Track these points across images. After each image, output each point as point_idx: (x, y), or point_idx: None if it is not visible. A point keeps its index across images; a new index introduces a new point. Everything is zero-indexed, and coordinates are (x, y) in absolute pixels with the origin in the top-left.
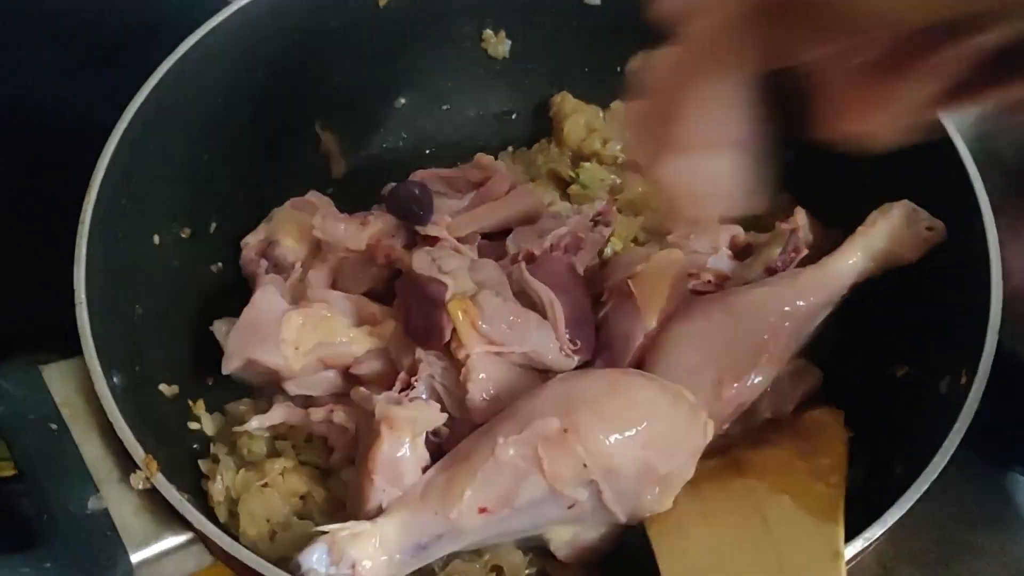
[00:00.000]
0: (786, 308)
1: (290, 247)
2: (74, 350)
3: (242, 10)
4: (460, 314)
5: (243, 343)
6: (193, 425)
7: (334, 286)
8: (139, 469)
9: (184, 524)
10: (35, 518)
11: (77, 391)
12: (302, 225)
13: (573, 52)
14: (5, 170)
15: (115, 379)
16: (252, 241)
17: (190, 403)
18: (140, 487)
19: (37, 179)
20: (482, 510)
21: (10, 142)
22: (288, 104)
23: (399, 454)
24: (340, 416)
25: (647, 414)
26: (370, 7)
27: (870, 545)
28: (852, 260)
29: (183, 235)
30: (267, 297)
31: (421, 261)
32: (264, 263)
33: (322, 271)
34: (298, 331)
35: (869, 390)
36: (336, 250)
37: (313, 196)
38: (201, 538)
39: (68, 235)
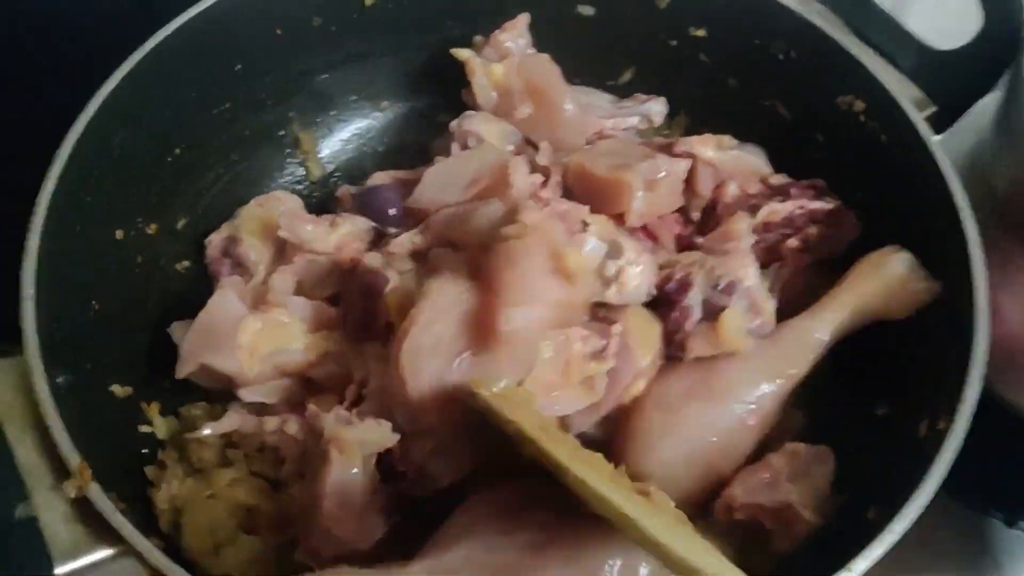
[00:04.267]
0: (766, 386)
1: (253, 245)
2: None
3: (221, 2)
4: (398, 306)
5: (197, 347)
6: (144, 428)
7: (298, 289)
8: (72, 476)
9: (118, 537)
10: None
11: (17, 389)
12: (266, 223)
13: (567, 62)
14: None
15: (59, 379)
16: (216, 239)
17: (143, 405)
18: (72, 496)
19: None
20: None
21: None
22: (266, 101)
23: (349, 477)
24: (293, 427)
25: None
26: (356, 5)
27: None
28: (839, 319)
29: (148, 231)
30: (224, 300)
31: (373, 259)
32: (228, 262)
33: (286, 274)
34: (255, 337)
35: (848, 429)
36: (302, 252)
37: (280, 193)
38: (135, 554)
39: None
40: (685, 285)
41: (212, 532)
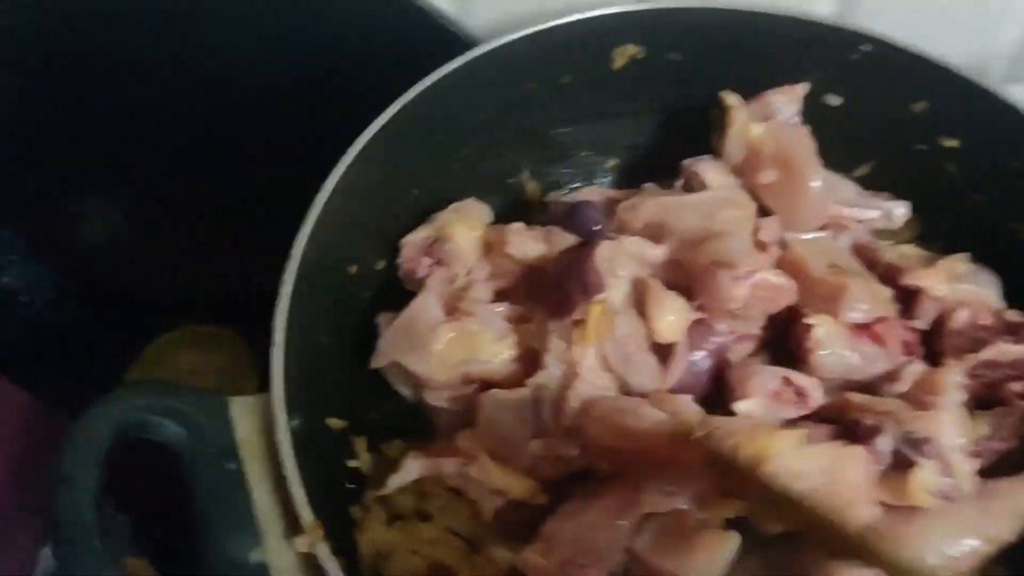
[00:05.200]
0: (967, 544)
1: (460, 244)
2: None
3: (485, 55)
4: (596, 318)
5: (394, 345)
6: (352, 463)
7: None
8: (303, 531)
9: None
10: (198, 560)
11: (257, 431)
12: (471, 225)
13: None
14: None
15: (294, 422)
16: (415, 239)
17: (353, 439)
18: (303, 550)
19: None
20: None
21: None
22: (504, 149)
23: None
24: (476, 470)
25: None
26: (604, 68)
27: None
28: None
29: (377, 268)
30: (427, 304)
31: (605, 251)
32: (426, 261)
33: (488, 282)
34: (448, 345)
35: None
36: (513, 265)
37: (473, 201)
38: None
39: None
40: (873, 431)
41: None
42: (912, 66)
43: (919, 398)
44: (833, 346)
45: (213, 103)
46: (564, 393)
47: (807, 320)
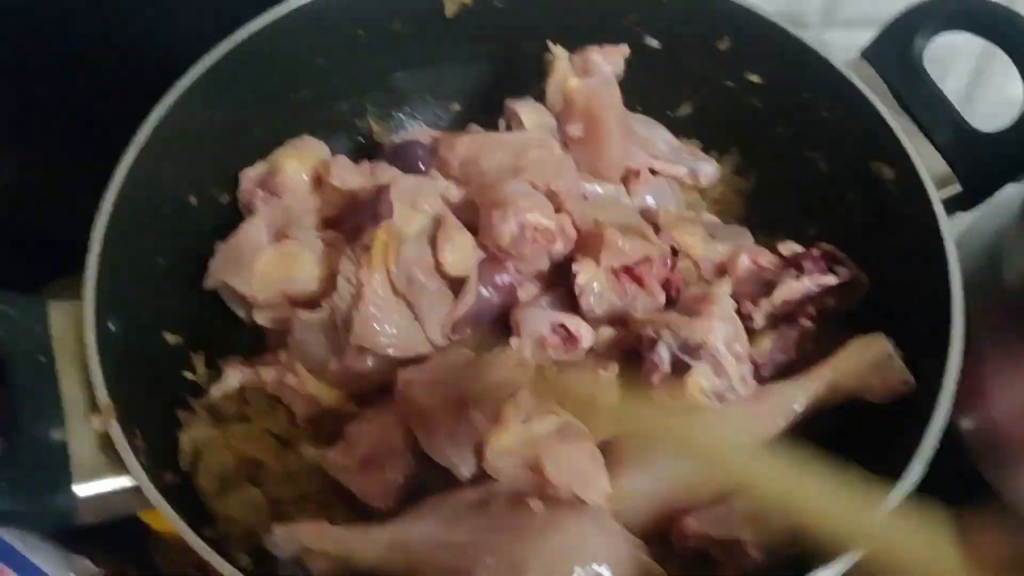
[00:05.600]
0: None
1: (290, 176)
2: None
3: (310, 3)
4: (381, 242)
5: (223, 266)
6: (189, 375)
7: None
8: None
9: None
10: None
11: (74, 332)
12: (304, 163)
13: (631, 90)
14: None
15: (112, 325)
16: (251, 173)
17: (191, 353)
18: (96, 428)
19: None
20: None
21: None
22: (344, 93)
23: None
24: (292, 379)
25: None
26: (436, 15)
27: None
28: (816, 392)
29: (221, 200)
30: (253, 228)
31: (404, 185)
32: (260, 192)
33: (316, 214)
34: (268, 266)
35: None
36: (338, 196)
37: (309, 139)
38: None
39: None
40: (652, 341)
41: (222, 478)
42: (713, 5)
43: (694, 309)
44: (597, 289)
45: (111, 54)
46: (351, 312)
47: (573, 267)
